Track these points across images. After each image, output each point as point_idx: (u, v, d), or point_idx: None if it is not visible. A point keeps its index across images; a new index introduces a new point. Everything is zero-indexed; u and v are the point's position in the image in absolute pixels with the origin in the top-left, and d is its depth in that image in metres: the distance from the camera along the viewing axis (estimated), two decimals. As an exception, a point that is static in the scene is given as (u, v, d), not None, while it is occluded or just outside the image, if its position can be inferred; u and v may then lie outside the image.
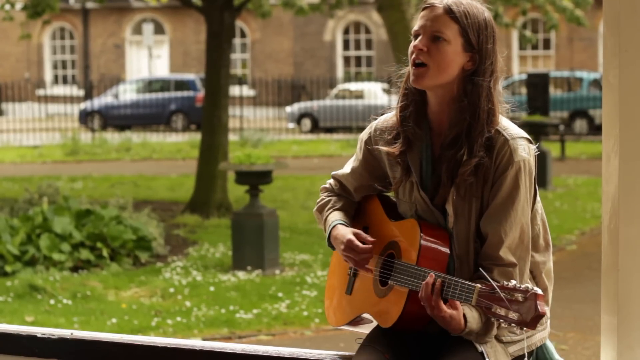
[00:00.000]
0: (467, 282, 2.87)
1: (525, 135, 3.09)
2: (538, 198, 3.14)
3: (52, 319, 9.85)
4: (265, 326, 9.81)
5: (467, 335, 2.98)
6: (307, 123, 33.67)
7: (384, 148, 3.19)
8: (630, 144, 2.99)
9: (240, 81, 34.43)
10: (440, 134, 3.13)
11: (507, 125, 3.09)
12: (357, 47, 40.88)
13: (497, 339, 3.05)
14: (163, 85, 35.83)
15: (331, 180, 3.40)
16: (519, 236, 3.03)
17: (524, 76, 29.26)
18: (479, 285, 2.83)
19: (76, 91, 40.60)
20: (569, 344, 9.06)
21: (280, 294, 10.85)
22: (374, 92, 33.06)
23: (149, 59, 40.72)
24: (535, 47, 38.18)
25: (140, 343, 3.68)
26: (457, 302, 2.89)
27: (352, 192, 3.35)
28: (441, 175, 3.10)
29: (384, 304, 3.12)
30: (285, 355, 3.48)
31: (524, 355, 3.09)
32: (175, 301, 10.65)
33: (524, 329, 2.75)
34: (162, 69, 42.13)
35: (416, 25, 3.11)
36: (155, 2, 23.08)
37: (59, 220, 12.14)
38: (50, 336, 3.72)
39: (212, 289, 11.09)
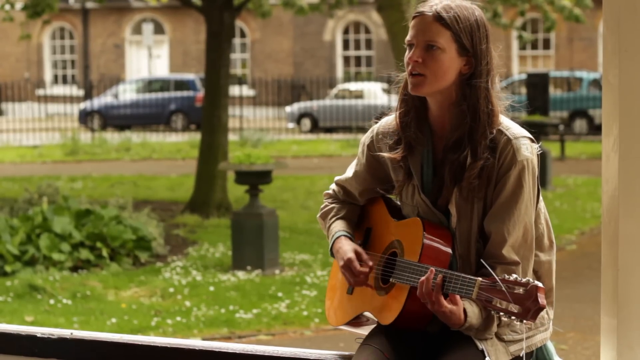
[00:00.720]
0: (468, 276, 2.88)
1: (528, 134, 3.09)
2: (541, 197, 3.14)
3: (51, 319, 9.85)
4: (265, 326, 9.81)
5: (466, 331, 2.98)
6: (306, 123, 33.67)
7: (385, 154, 3.19)
8: (630, 143, 2.99)
9: (240, 81, 34.44)
10: (442, 136, 3.13)
11: (509, 125, 3.10)
12: (357, 47, 40.88)
13: (498, 337, 3.05)
14: (163, 85, 35.83)
15: (334, 186, 3.41)
16: (522, 235, 3.04)
17: (523, 76, 29.26)
18: (479, 278, 2.84)
19: (76, 91, 40.61)
20: (569, 343, 9.06)
21: (280, 294, 10.85)
22: (374, 92, 33.06)
23: (149, 59, 40.72)
24: (535, 47, 38.19)
25: (140, 343, 3.68)
26: (458, 297, 2.90)
27: (356, 196, 3.35)
28: (444, 178, 3.10)
29: (385, 301, 3.13)
30: (285, 355, 3.48)
31: (523, 355, 3.09)
32: (175, 301, 10.65)
33: (525, 322, 2.76)
34: (161, 69, 42.13)
35: (408, 35, 3.10)
36: (155, 2, 23.08)
37: (59, 220, 12.14)
38: (50, 336, 3.71)
39: (211, 288, 11.09)
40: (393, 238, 3.19)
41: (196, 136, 26.84)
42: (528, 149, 3.05)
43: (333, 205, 3.38)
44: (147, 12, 42.34)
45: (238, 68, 40.59)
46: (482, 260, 3.03)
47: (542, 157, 18.38)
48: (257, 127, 31.50)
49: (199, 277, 11.62)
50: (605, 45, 3.04)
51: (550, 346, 3.20)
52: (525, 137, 3.07)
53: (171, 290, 11.02)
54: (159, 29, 42.27)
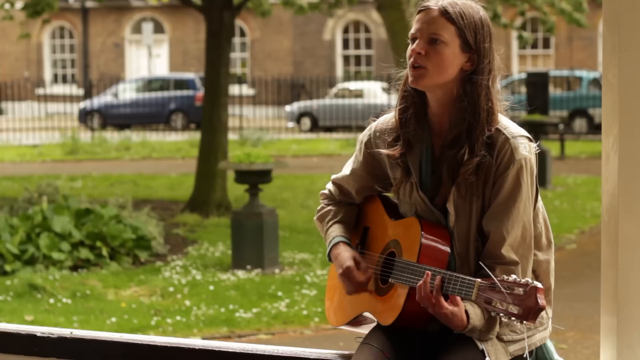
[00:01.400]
0: (467, 277, 2.87)
1: (526, 133, 3.09)
2: (539, 197, 3.14)
3: (51, 318, 9.85)
4: (264, 325, 9.81)
5: (469, 333, 2.98)
6: (306, 122, 33.67)
7: (384, 151, 3.19)
8: (629, 142, 2.99)
9: (240, 80, 34.44)
10: (441, 134, 3.13)
11: (508, 124, 3.10)
12: (357, 46, 40.88)
13: (498, 337, 3.05)
14: (162, 84, 35.83)
15: (330, 186, 3.40)
16: (521, 234, 3.03)
17: (523, 75, 29.27)
18: (479, 280, 2.83)
19: (76, 90, 40.60)
20: (569, 343, 9.06)
21: (279, 293, 10.85)
22: (374, 91, 33.05)
23: (149, 58, 40.72)
24: (534, 46, 38.20)
25: (139, 342, 3.68)
26: (458, 298, 2.90)
27: (353, 194, 3.34)
28: (442, 175, 3.10)
29: (385, 302, 3.13)
30: (284, 355, 3.48)
31: (524, 355, 3.09)
32: (175, 300, 10.65)
33: (524, 323, 2.75)
34: (161, 68, 42.13)
35: (412, 28, 3.10)
36: (155, 1, 23.08)
37: (59, 220, 12.14)
38: (50, 335, 3.71)
39: (211, 288, 11.09)
40: (391, 238, 3.19)
41: (196, 135, 26.84)
42: (526, 148, 3.05)
43: (330, 207, 3.36)
44: (147, 11, 42.34)
45: (238, 67, 40.59)
46: (480, 261, 3.03)
47: (542, 156, 18.42)
48: (256, 127, 31.50)
49: (199, 276, 11.62)
50: (605, 44, 3.04)
51: (550, 345, 3.20)
52: (523, 136, 3.07)
53: (171, 289, 11.03)
54: (158, 28, 42.26)
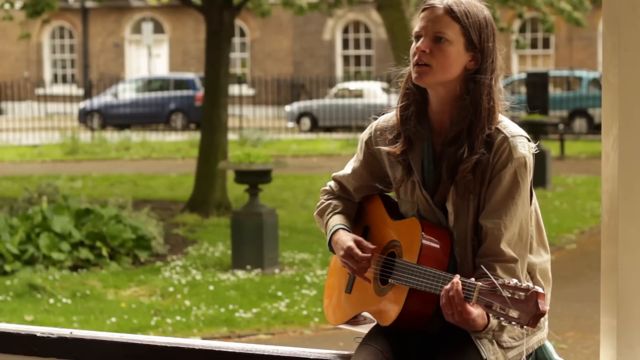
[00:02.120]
0: (468, 280, 2.85)
1: (525, 133, 3.10)
2: (534, 199, 3.14)
3: (51, 318, 9.85)
4: (264, 325, 9.81)
5: (485, 334, 2.97)
6: (306, 122, 33.66)
7: (385, 148, 3.19)
8: (629, 142, 2.99)
9: (240, 80, 34.43)
10: (441, 132, 3.13)
11: (507, 124, 3.10)
12: (357, 46, 40.88)
13: (498, 344, 3.04)
14: (162, 84, 35.83)
15: (331, 182, 3.40)
16: (518, 232, 3.03)
17: (523, 75, 29.27)
18: (479, 283, 2.82)
19: (75, 90, 40.60)
20: (569, 343, 9.06)
21: (279, 293, 10.85)
22: (374, 91, 33.05)
23: (149, 58, 40.72)
24: (534, 46, 38.20)
25: (139, 342, 3.68)
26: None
27: (352, 192, 3.34)
28: (442, 173, 3.10)
29: (384, 303, 3.12)
30: (284, 355, 3.48)
31: (521, 359, 3.09)
32: (175, 300, 10.65)
33: (525, 327, 2.74)
34: (161, 68, 42.13)
35: (417, 26, 3.11)
36: (155, 1, 23.07)
37: (59, 220, 12.14)
38: (50, 335, 3.71)
39: (211, 288, 11.09)
40: (391, 238, 3.19)
41: (196, 135, 26.84)
42: (525, 147, 3.06)
43: (330, 201, 3.37)
44: (147, 11, 42.34)
45: (238, 67, 40.59)
46: (478, 259, 3.03)
47: (542, 156, 18.41)
48: (256, 127, 31.50)
49: (199, 276, 11.62)
50: (604, 44, 3.04)
51: (549, 346, 3.20)
52: (522, 135, 3.08)
53: (171, 289, 11.03)
54: (158, 28, 42.26)
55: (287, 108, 34.55)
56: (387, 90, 32.68)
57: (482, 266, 2.99)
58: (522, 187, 3.04)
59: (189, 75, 36.41)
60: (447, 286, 2.87)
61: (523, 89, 26.34)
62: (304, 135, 32.23)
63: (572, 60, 37.24)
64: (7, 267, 11.56)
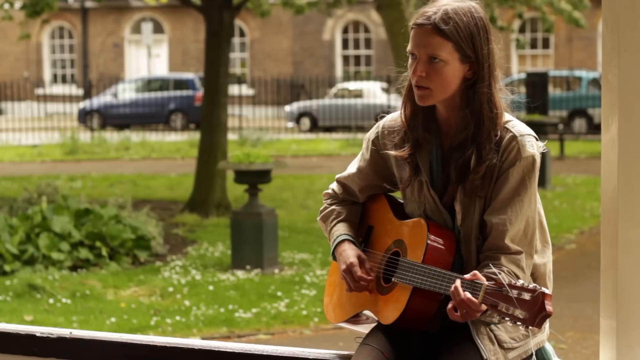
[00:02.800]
0: (474, 280, 2.83)
1: (533, 133, 3.10)
2: (538, 199, 3.14)
3: (51, 318, 9.85)
4: (264, 325, 9.81)
5: (485, 317, 2.95)
6: (306, 122, 33.66)
7: (392, 152, 3.18)
8: (629, 142, 2.99)
9: (240, 80, 34.43)
10: (449, 134, 3.13)
11: (515, 123, 3.10)
12: (356, 46, 40.88)
13: (499, 344, 3.04)
14: (162, 84, 35.82)
15: (334, 185, 3.39)
16: (524, 229, 3.03)
17: (523, 75, 29.27)
18: (486, 282, 2.81)
19: (75, 90, 40.60)
20: (568, 343, 9.06)
21: (279, 293, 10.85)
22: (373, 91, 33.04)
23: (148, 58, 40.71)
24: (534, 46, 38.20)
25: (139, 342, 3.68)
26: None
27: (357, 193, 3.34)
28: (450, 175, 3.10)
29: (386, 301, 3.12)
30: (284, 355, 3.48)
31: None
32: (174, 300, 10.65)
33: (530, 328, 2.73)
34: (161, 68, 42.13)
35: (409, 45, 3.07)
36: (154, 2, 23.06)
37: (58, 220, 12.13)
38: (49, 335, 3.71)
39: (211, 288, 11.09)
40: (395, 237, 3.19)
41: (195, 135, 26.85)
42: (533, 146, 3.06)
43: (333, 207, 3.35)
44: (147, 11, 42.34)
45: (237, 67, 40.59)
46: (482, 253, 3.03)
47: (542, 156, 18.36)
48: (256, 127, 31.50)
49: (198, 276, 11.62)
50: (604, 44, 3.04)
51: (549, 347, 3.20)
52: (530, 135, 3.08)
53: (170, 289, 11.02)
54: (158, 28, 42.26)
55: (287, 108, 34.55)
56: (386, 90, 32.68)
57: (486, 261, 3.00)
58: (529, 185, 3.04)
59: (188, 75, 36.40)
60: (453, 290, 2.83)
61: (523, 89, 26.32)
62: (304, 135, 32.23)
63: (571, 60, 37.24)
64: (7, 267, 11.56)
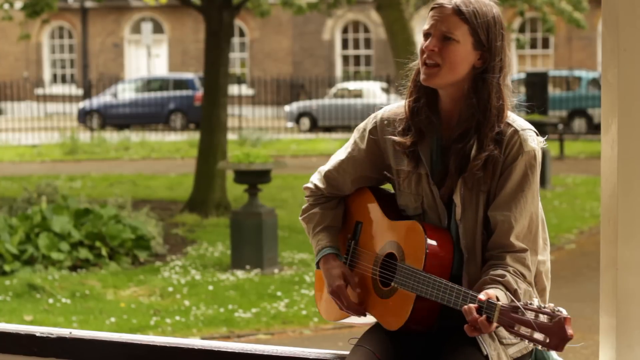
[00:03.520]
0: (488, 300, 2.80)
1: (533, 127, 3.12)
2: (538, 197, 3.14)
3: (50, 318, 9.85)
4: (264, 325, 9.81)
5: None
6: (305, 122, 33.66)
7: (395, 138, 3.17)
8: (629, 142, 2.99)
9: (239, 80, 34.42)
10: (450, 126, 3.13)
11: (515, 118, 3.12)
12: (356, 46, 40.87)
13: (499, 340, 3.04)
14: (162, 84, 35.82)
15: (317, 180, 3.36)
16: (528, 225, 3.03)
17: (522, 75, 29.27)
18: (500, 302, 2.77)
19: (75, 90, 40.60)
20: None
21: (279, 293, 10.85)
22: (373, 91, 33.04)
23: (148, 58, 40.71)
24: (534, 46, 38.19)
25: (139, 342, 3.68)
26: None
27: (348, 183, 3.30)
28: (449, 167, 3.10)
29: (388, 306, 3.11)
30: (284, 355, 3.48)
31: (522, 357, 3.09)
32: (174, 300, 10.65)
33: (551, 350, 2.70)
34: (160, 68, 42.12)
35: (426, 25, 3.11)
36: (153, 2, 23.06)
37: (58, 220, 12.13)
38: (49, 335, 3.71)
39: (210, 288, 11.09)
40: (389, 238, 3.16)
41: (195, 135, 26.84)
42: (534, 140, 3.08)
43: (317, 209, 3.33)
44: (146, 11, 42.33)
45: (237, 67, 40.58)
46: (488, 252, 3.03)
47: (541, 156, 18.40)
48: (256, 127, 31.49)
49: (198, 276, 11.62)
50: (604, 44, 3.04)
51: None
52: (531, 129, 3.10)
53: (170, 289, 11.02)
54: (158, 28, 42.26)
55: (287, 108, 34.54)
56: (386, 90, 32.68)
57: (491, 261, 3.00)
58: (532, 180, 3.05)
59: (188, 75, 36.40)
60: (466, 309, 2.81)
61: (522, 89, 26.32)
62: (304, 135, 32.22)
63: (571, 60, 37.24)
64: (7, 267, 11.56)
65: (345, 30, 40.93)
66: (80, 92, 39.56)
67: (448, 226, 3.11)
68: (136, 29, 42.65)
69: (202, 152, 16.45)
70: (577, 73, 32.56)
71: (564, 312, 2.67)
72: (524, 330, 2.70)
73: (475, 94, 3.07)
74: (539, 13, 21.71)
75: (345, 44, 41.01)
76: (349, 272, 3.21)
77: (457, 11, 3.05)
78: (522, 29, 37.16)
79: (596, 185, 18.74)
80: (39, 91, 39.97)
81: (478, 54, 3.08)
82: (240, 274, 11.74)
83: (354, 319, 3.28)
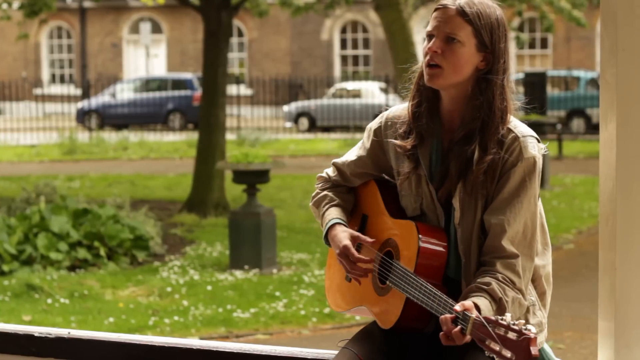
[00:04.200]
0: (462, 311, 2.81)
1: (534, 134, 3.11)
2: (539, 201, 3.14)
3: (49, 318, 9.85)
4: (262, 325, 9.81)
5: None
6: (304, 122, 33.66)
7: (396, 142, 3.18)
8: (627, 142, 2.99)
9: (238, 80, 34.45)
10: (451, 129, 3.13)
11: (517, 124, 3.12)
12: (355, 46, 40.89)
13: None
14: (160, 84, 35.82)
15: (329, 170, 3.39)
16: (523, 230, 3.03)
17: (521, 75, 29.29)
18: (473, 315, 2.78)
19: (73, 90, 40.58)
20: (566, 343, 9.06)
21: (277, 293, 10.85)
22: (371, 91, 33.05)
23: (146, 58, 40.70)
24: (532, 46, 38.21)
25: (137, 342, 3.68)
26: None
27: (350, 178, 3.33)
28: (449, 170, 3.10)
29: (383, 304, 3.12)
30: (282, 355, 3.48)
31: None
32: (173, 300, 10.65)
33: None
34: (159, 68, 42.12)
35: (429, 26, 3.10)
36: (151, 2, 23.06)
37: (56, 220, 12.13)
38: (48, 335, 3.71)
39: (209, 288, 11.09)
40: (387, 236, 3.18)
41: (194, 135, 26.85)
42: (535, 147, 3.07)
43: (326, 192, 3.34)
44: (145, 11, 42.33)
45: (236, 67, 40.58)
46: (482, 257, 3.03)
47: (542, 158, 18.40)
48: (254, 127, 31.49)
49: (197, 276, 11.62)
50: (602, 44, 3.04)
51: (547, 348, 3.20)
52: (532, 136, 3.09)
53: (169, 289, 11.02)
54: (156, 28, 42.25)
55: (285, 108, 34.55)
56: (385, 90, 32.69)
57: (482, 266, 3.01)
58: (529, 186, 3.05)
59: (186, 75, 36.40)
60: (443, 320, 2.83)
61: (521, 89, 26.33)
62: (302, 135, 32.23)
63: (570, 60, 37.25)
64: (5, 267, 11.55)
65: (343, 30, 40.94)
66: (78, 92, 39.55)
67: (447, 230, 3.12)
68: (135, 29, 42.65)
69: (200, 152, 16.45)
70: (575, 73, 32.57)
71: (532, 332, 2.66)
72: (493, 345, 2.71)
73: (480, 95, 3.07)
74: (538, 12, 21.71)
75: (343, 44, 41.02)
76: (357, 233, 3.19)
77: (461, 12, 3.05)
78: (520, 29, 37.17)
79: (595, 185, 18.74)
80: (38, 91, 39.96)
81: (481, 55, 3.07)
82: (238, 274, 11.74)
83: (360, 310, 3.29)
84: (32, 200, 13.76)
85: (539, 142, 3.10)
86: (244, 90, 37.77)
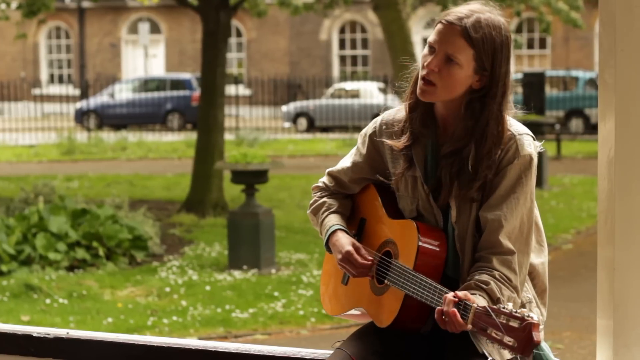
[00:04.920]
0: (464, 300, 2.82)
1: (530, 132, 3.11)
2: (534, 200, 3.14)
3: (48, 319, 9.85)
4: (261, 325, 9.81)
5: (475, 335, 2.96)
6: (303, 122, 33.66)
7: (388, 141, 3.18)
8: (626, 143, 2.99)
9: (236, 80, 34.43)
10: (445, 134, 3.13)
11: (512, 122, 3.11)
12: (353, 47, 40.88)
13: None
14: (159, 84, 35.81)
15: (325, 179, 3.38)
16: (519, 226, 3.03)
17: (519, 75, 29.30)
18: (475, 305, 2.79)
19: (72, 90, 40.57)
20: (565, 343, 9.06)
21: (276, 293, 10.85)
22: (370, 92, 33.05)
23: (145, 58, 40.70)
24: (531, 47, 38.21)
25: (136, 342, 3.68)
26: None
27: (349, 185, 3.33)
28: (442, 179, 3.10)
29: (380, 304, 3.13)
30: (281, 355, 3.48)
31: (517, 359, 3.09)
32: (171, 300, 10.65)
33: (519, 355, 2.73)
34: (157, 68, 42.11)
35: (432, 36, 3.07)
36: (147, 2, 23.07)
37: (55, 220, 12.13)
38: (46, 335, 3.71)
39: (208, 288, 11.09)
40: (387, 236, 3.18)
41: (192, 135, 26.84)
42: (531, 145, 3.07)
43: (324, 199, 3.34)
44: (143, 11, 42.32)
45: (234, 67, 40.58)
46: (477, 252, 3.03)
47: (539, 156, 18.37)
48: (253, 127, 31.49)
49: (195, 276, 11.62)
50: (601, 44, 3.04)
51: (546, 347, 3.19)
52: (528, 134, 3.09)
53: (167, 289, 11.02)
54: (155, 28, 42.25)
55: (284, 108, 34.54)
56: (383, 91, 32.68)
57: (478, 262, 3.01)
58: (525, 183, 3.05)
59: (185, 75, 36.40)
60: (441, 307, 2.84)
61: (519, 89, 26.33)
62: (301, 136, 32.23)
63: (568, 60, 37.26)
64: (4, 267, 11.55)
65: (342, 31, 40.94)
66: (77, 92, 39.53)
67: (445, 229, 3.12)
68: (133, 29, 42.64)
69: (199, 153, 16.45)
70: (574, 73, 32.58)
71: (535, 318, 2.68)
72: (495, 333, 2.72)
73: (472, 118, 3.05)
74: (536, 13, 21.71)
75: (342, 44, 41.02)
76: (359, 244, 3.19)
77: (466, 35, 3.01)
78: (519, 29, 37.18)
79: (593, 185, 18.75)
80: (36, 91, 39.95)
81: (477, 76, 3.05)
82: (237, 274, 11.74)
83: (355, 313, 3.29)
84: (31, 200, 13.76)
85: (534, 140, 3.10)
86: (243, 90, 37.77)
